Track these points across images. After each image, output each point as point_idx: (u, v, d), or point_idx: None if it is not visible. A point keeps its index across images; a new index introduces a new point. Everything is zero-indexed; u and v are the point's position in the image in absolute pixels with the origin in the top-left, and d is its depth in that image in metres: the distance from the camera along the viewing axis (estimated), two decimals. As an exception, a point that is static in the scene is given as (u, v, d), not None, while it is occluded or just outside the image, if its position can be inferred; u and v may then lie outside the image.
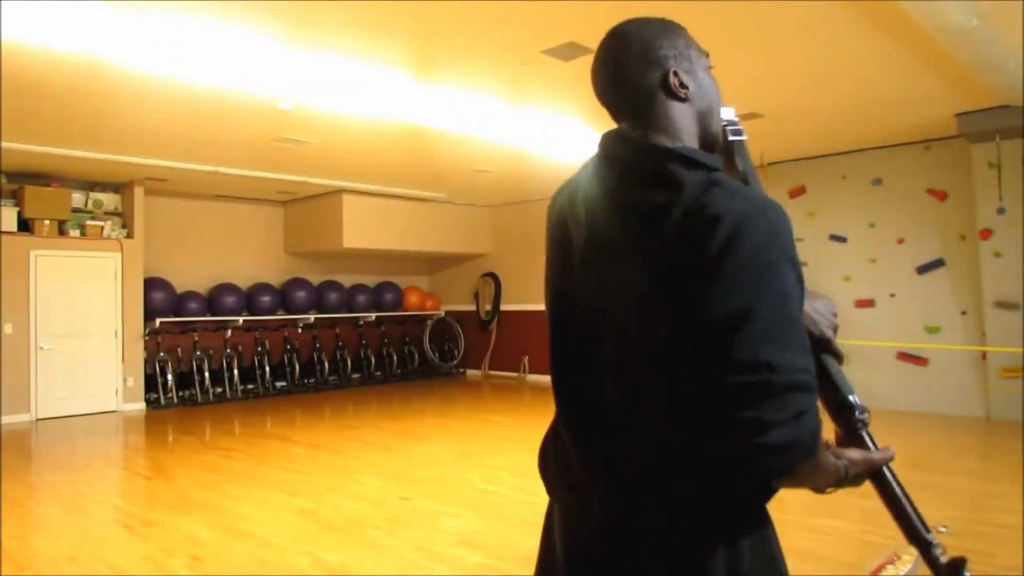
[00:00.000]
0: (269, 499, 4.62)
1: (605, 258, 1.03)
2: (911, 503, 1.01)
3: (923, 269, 7.50)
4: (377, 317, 11.28)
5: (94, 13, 3.98)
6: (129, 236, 8.80)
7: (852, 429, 1.02)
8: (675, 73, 1.05)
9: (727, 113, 1.18)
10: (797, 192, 8.39)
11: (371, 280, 11.73)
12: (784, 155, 8.18)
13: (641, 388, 0.99)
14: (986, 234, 6.80)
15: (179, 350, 9.44)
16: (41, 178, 8.28)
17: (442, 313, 12.31)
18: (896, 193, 7.68)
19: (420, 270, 12.79)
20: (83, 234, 8.43)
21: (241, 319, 9.79)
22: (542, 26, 4.31)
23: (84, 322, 8.39)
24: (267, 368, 9.96)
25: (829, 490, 0.95)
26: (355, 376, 10.96)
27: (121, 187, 8.96)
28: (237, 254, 10.30)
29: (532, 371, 11.12)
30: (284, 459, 5.84)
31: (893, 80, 5.41)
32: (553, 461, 1.16)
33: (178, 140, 6.85)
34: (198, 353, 9.43)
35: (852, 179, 8.00)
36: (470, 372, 12.15)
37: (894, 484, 1.01)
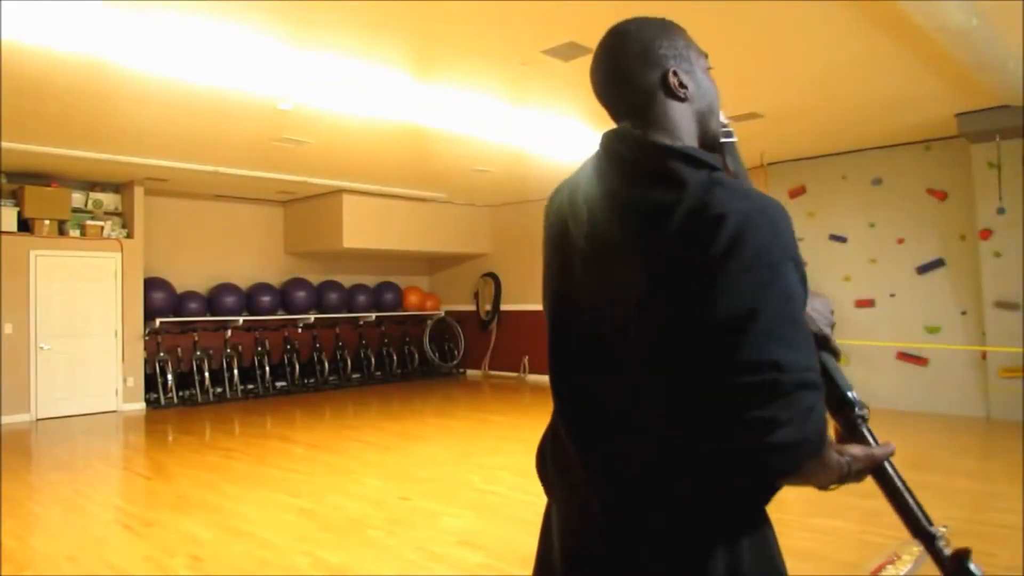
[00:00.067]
0: (269, 499, 4.62)
1: (606, 257, 1.03)
2: (913, 497, 1.02)
3: (923, 269, 7.50)
4: (377, 317, 11.28)
5: (94, 13, 3.98)
6: (129, 236, 8.80)
7: (852, 425, 1.02)
8: (675, 73, 1.05)
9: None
10: (797, 192, 8.39)
11: (371, 280, 11.73)
12: (784, 155, 8.18)
13: (641, 388, 0.99)
14: (986, 234, 6.80)
15: (179, 350, 9.44)
16: (41, 178, 8.28)
17: (442, 313, 12.31)
18: (896, 193, 7.68)
19: (420, 270, 12.79)
20: (83, 234, 8.43)
21: (241, 319, 9.79)
22: (542, 26, 4.31)
23: (84, 322, 8.39)
24: (267, 368, 9.95)
25: (832, 487, 0.96)
26: (355, 376, 10.96)
27: (121, 187, 8.96)
28: (237, 254, 10.30)
29: (532, 371, 11.12)
30: (284, 459, 5.84)
31: (893, 80, 5.41)
32: (551, 461, 1.15)
33: (178, 140, 6.85)
34: (198, 353, 9.43)
35: (852, 179, 8.00)
36: (470, 372, 12.15)
37: (896, 478, 1.02)
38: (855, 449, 0.97)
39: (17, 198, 8.07)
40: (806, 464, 0.88)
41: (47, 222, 8.14)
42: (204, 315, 9.54)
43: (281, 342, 10.38)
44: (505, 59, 4.88)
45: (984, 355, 6.93)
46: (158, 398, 8.94)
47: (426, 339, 12.05)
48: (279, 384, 10.19)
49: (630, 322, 0.99)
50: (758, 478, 0.91)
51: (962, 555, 0.97)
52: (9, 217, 7.91)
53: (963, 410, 7.15)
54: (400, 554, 3.60)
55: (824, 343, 1.04)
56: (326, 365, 10.67)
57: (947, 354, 7.30)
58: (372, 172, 8.63)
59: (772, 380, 0.85)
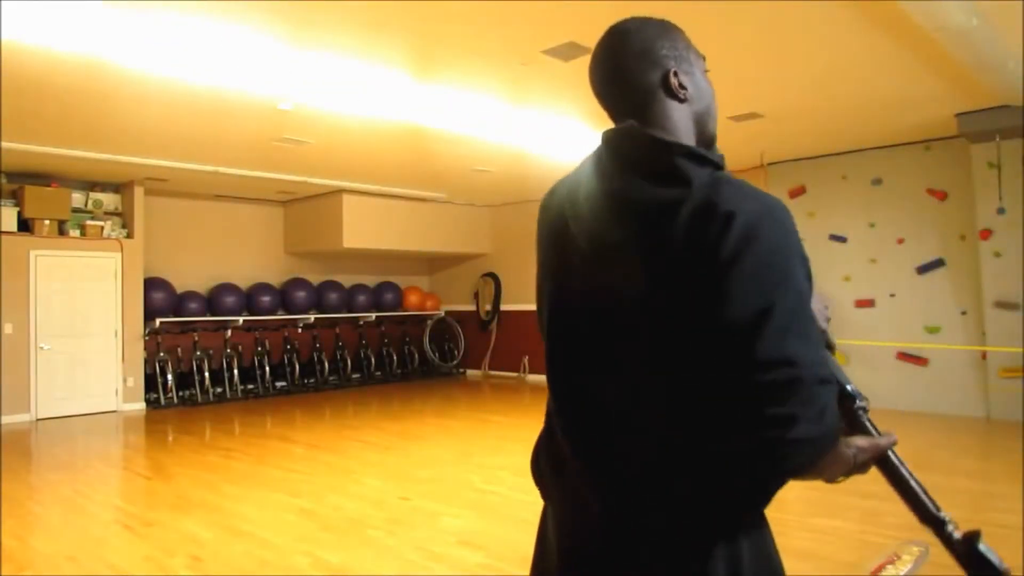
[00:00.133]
0: (269, 499, 4.62)
1: (608, 255, 1.02)
2: (919, 484, 1.03)
3: (923, 269, 7.50)
4: (377, 317, 11.28)
5: (94, 13, 3.98)
6: (129, 236, 8.80)
7: (854, 417, 1.03)
8: (675, 74, 1.06)
9: None
10: (797, 192, 8.39)
11: (371, 280, 11.73)
12: (784, 155, 8.18)
13: (641, 388, 0.99)
14: (986, 234, 6.80)
15: (179, 350, 9.44)
16: (41, 178, 8.28)
17: (442, 313, 12.30)
18: (896, 193, 7.68)
19: (420, 270, 12.79)
20: (83, 234, 8.43)
21: (241, 319, 9.79)
22: (542, 26, 4.31)
23: (84, 322, 8.39)
24: (267, 368, 9.95)
25: (840, 479, 0.97)
26: (355, 376, 10.96)
27: (121, 187, 8.96)
28: (237, 254, 10.30)
29: (532, 371, 11.12)
30: (284, 459, 5.84)
31: (893, 80, 5.41)
32: (546, 462, 1.15)
33: (178, 140, 6.85)
34: (198, 353, 9.43)
35: (852, 179, 8.00)
36: (470, 372, 12.15)
37: (901, 467, 1.03)
38: (860, 440, 0.98)
39: (17, 198, 8.07)
40: (823, 458, 0.90)
41: (47, 222, 8.14)
42: (204, 315, 9.54)
43: (281, 342, 10.38)
44: (505, 59, 4.88)
45: (984, 355, 6.93)
46: (158, 398, 8.94)
47: (426, 339, 12.05)
48: (279, 384, 10.19)
49: (631, 321, 0.99)
50: (776, 474, 0.92)
51: (972, 537, 0.99)
52: (9, 217, 7.91)
53: (963, 410, 7.15)
54: (400, 554, 3.60)
55: (820, 338, 1.05)
56: (326, 365, 10.67)
57: (947, 354, 7.30)
58: (372, 172, 8.63)
59: (790, 377, 0.86)
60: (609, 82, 1.10)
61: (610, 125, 1.12)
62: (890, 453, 1.02)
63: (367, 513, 4.29)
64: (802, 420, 0.86)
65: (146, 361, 8.93)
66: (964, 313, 7.20)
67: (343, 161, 7.95)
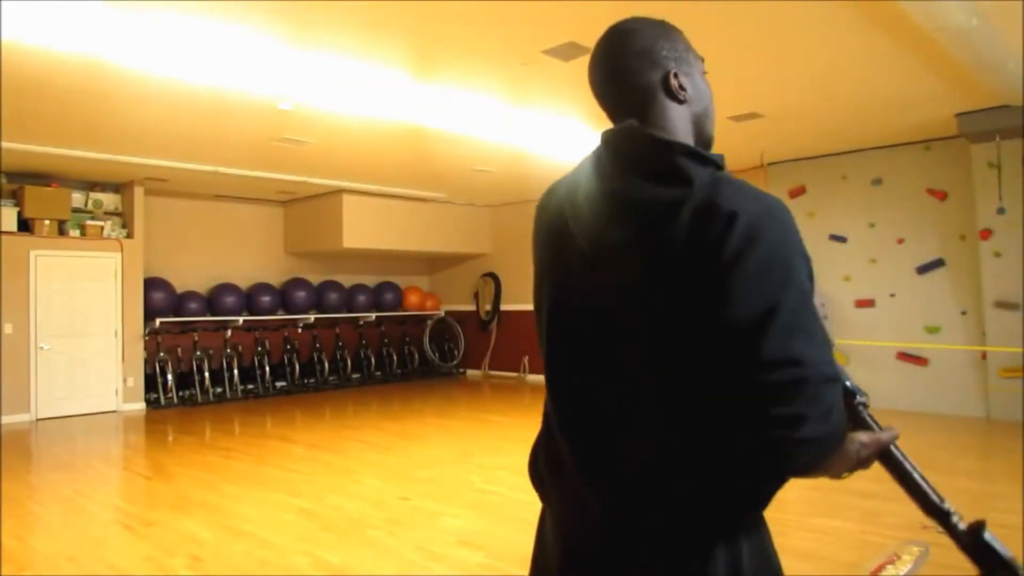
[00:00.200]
0: (269, 499, 4.62)
1: (608, 255, 1.02)
2: (923, 477, 1.03)
3: (923, 269, 7.50)
4: (377, 317, 11.28)
5: (94, 13, 3.98)
6: (129, 236, 8.80)
7: (855, 412, 1.04)
8: (675, 75, 1.06)
9: None
10: (797, 192, 8.39)
11: (371, 280, 11.73)
12: (784, 155, 8.18)
13: (641, 388, 0.99)
14: (986, 234, 6.80)
15: (179, 350, 9.44)
16: (41, 178, 8.28)
17: (442, 313, 12.31)
18: (896, 193, 7.68)
19: (420, 270, 12.79)
20: (83, 234, 8.43)
21: (241, 319, 9.79)
22: (542, 26, 4.31)
23: (84, 322, 8.39)
24: (267, 368, 9.95)
25: (844, 475, 0.98)
26: (355, 376, 10.96)
27: (121, 187, 8.96)
28: (237, 254, 10.30)
29: (532, 371, 11.12)
30: (284, 459, 5.84)
31: (893, 80, 5.41)
32: (544, 463, 1.15)
33: (178, 140, 6.85)
34: (198, 353, 9.43)
35: (852, 179, 8.00)
36: (470, 372, 12.15)
37: (904, 461, 1.03)
38: (862, 436, 0.99)
39: (17, 198, 8.07)
40: (829, 457, 0.91)
41: (47, 222, 8.14)
42: (204, 315, 9.54)
43: (281, 342, 10.38)
44: (505, 59, 4.88)
45: (984, 355, 6.93)
46: (158, 398, 8.94)
47: (426, 339, 12.05)
48: (279, 384, 10.19)
49: (631, 321, 0.99)
50: (783, 473, 0.93)
51: (977, 527, 0.99)
52: (9, 217, 7.91)
53: (963, 410, 7.15)
54: (400, 554, 3.60)
55: (825, 336, 1.05)
56: (326, 365, 10.67)
57: (947, 354, 7.30)
58: (372, 172, 8.63)
59: (796, 377, 0.87)
60: (609, 82, 1.10)
61: (610, 126, 1.12)
62: (892, 447, 1.03)
63: (367, 513, 4.29)
64: (809, 419, 0.86)
65: (146, 361, 8.93)
66: (964, 313, 7.20)
67: (343, 161, 7.95)
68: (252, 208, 10.50)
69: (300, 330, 10.60)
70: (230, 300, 9.68)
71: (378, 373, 11.26)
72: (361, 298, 11.14)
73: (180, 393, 9.17)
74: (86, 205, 8.62)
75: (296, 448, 6.30)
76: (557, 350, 1.12)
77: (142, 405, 8.79)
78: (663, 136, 1.03)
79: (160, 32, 4.26)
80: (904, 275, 7.61)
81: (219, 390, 9.49)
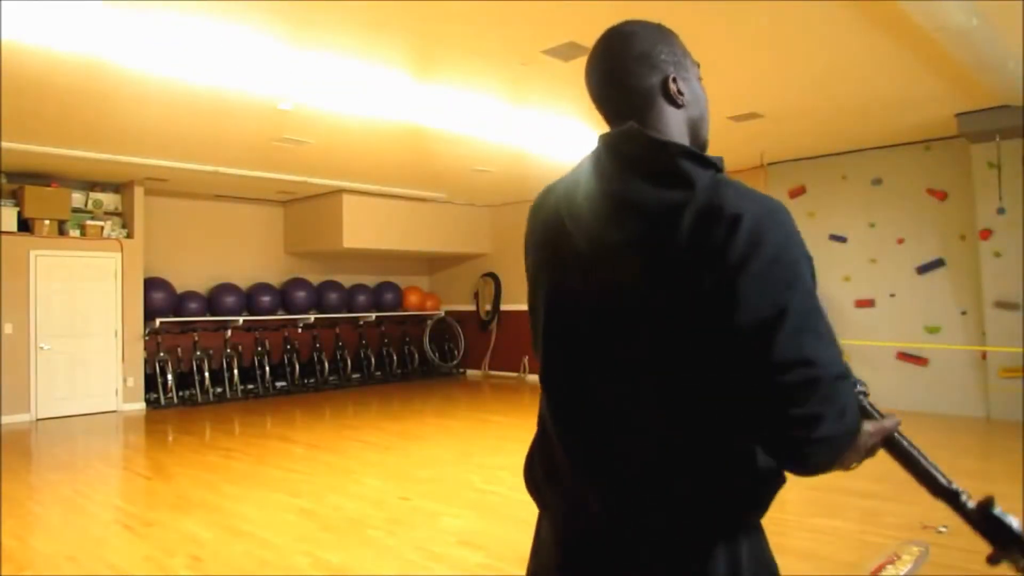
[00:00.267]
0: (269, 499, 4.62)
1: (608, 256, 1.02)
2: (928, 460, 1.04)
3: (923, 269, 7.50)
4: (377, 317, 11.28)
5: (94, 13, 3.98)
6: (129, 236, 8.80)
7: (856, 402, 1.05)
8: (674, 80, 1.06)
9: None
10: (797, 192, 8.39)
11: (371, 280, 11.73)
12: (784, 155, 8.18)
13: (641, 388, 0.99)
14: (986, 234, 6.80)
15: (179, 350, 9.44)
16: (41, 178, 8.28)
17: (442, 313, 12.31)
18: (896, 193, 7.68)
19: (420, 270, 12.79)
20: (83, 234, 8.43)
21: (241, 319, 9.79)
22: (542, 26, 4.31)
23: (84, 322, 8.39)
24: (267, 368, 9.95)
25: (853, 465, 0.99)
26: (355, 376, 10.96)
27: (121, 187, 8.96)
28: (237, 254, 10.30)
29: (532, 371, 11.12)
30: (284, 459, 5.84)
31: (893, 80, 5.41)
32: (540, 466, 1.14)
33: (178, 140, 6.85)
34: (198, 353, 9.43)
35: (852, 179, 8.00)
36: (470, 372, 12.15)
37: (909, 447, 1.05)
38: (867, 425, 0.99)
39: (17, 198, 8.07)
40: (844, 455, 0.93)
41: (47, 222, 8.14)
42: (204, 315, 9.54)
43: (281, 342, 10.38)
44: (505, 59, 4.88)
45: (984, 355, 6.93)
46: (158, 398, 8.94)
47: (426, 339, 12.05)
48: (279, 384, 10.19)
49: (631, 321, 0.99)
50: (800, 473, 0.94)
51: (986, 504, 1.02)
52: (9, 217, 7.91)
53: (963, 410, 7.15)
54: (400, 554, 3.60)
55: (833, 334, 1.06)
56: (326, 365, 10.67)
57: (947, 354, 7.30)
58: (372, 172, 8.63)
59: (810, 377, 0.88)
60: (607, 84, 1.10)
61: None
62: (896, 434, 1.04)
63: (367, 513, 4.29)
64: (826, 419, 0.87)
65: (146, 361, 8.93)
66: (964, 313, 7.20)
67: (343, 161, 7.95)
68: (252, 208, 10.50)
69: (300, 330, 10.60)
70: (230, 300, 9.68)
71: (378, 373, 11.26)
72: (361, 298, 11.14)
73: (180, 393, 9.17)
74: (86, 205, 8.62)
75: (296, 448, 6.30)
76: (555, 350, 1.12)
77: (142, 405, 8.79)
78: (664, 139, 1.03)
79: (160, 32, 4.26)
80: (904, 275, 7.61)
81: (219, 390, 9.49)
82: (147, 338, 8.93)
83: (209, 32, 4.30)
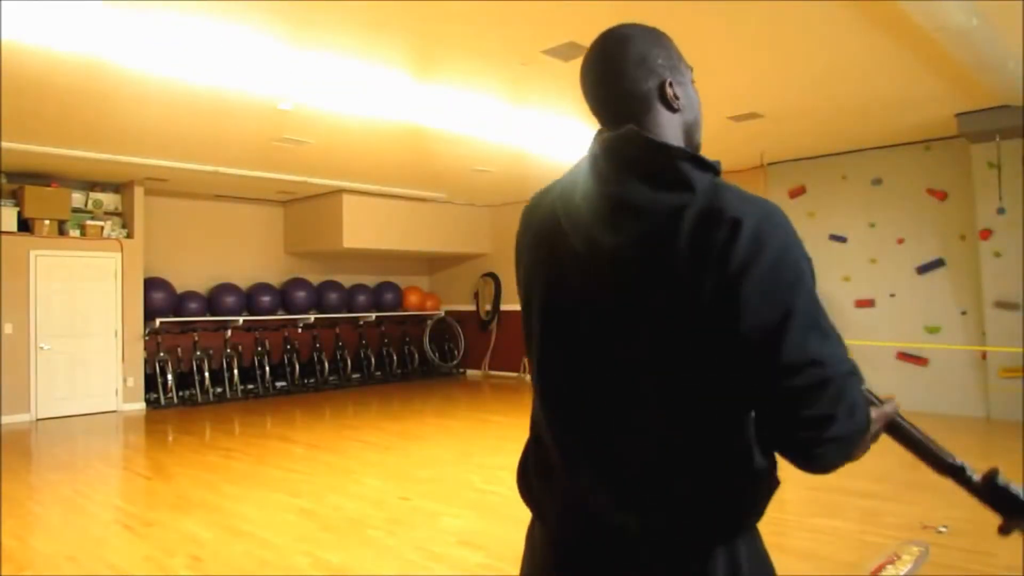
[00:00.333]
0: (269, 499, 4.62)
1: (607, 257, 1.02)
2: (930, 439, 1.06)
3: (923, 269, 7.50)
4: (377, 317, 11.28)
5: (94, 13, 3.98)
6: (129, 236, 8.80)
7: None
8: (670, 84, 1.06)
9: None
10: (797, 192, 8.39)
11: (371, 280, 11.73)
12: (784, 155, 8.18)
13: (641, 388, 0.99)
14: (986, 234, 6.80)
15: (179, 350, 9.44)
16: (41, 178, 8.28)
17: (442, 313, 12.31)
18: (896, 193, 7.68)
19: (420, 270, 12.79)
20: (83, 234, 8.43)
21: (241, 319, 9.79)
22: (542, 26, 4.31)
23: (84, 322, 8.39)
24: (267, 368, 9.95)
25: (859, 455, 1.00)
26: (355, 376, 10.96)
27: (121, 187, 8.96)
28: (237, 254, 10.30)
29: (532, 371, 11.11)
30: (284, 459, 5.84)
31: (893, 80, 5.41)
32: (534, 470, 1.14)
33: (178, 140, 6.85)
34: (198, 353, 9.43)
35: (852, 179, 8.00)
36: (470, 372, 12.15)
37: (912, 429, 1.06)
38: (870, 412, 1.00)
39: (17, 198, 8.07)
40: (855, 452, 0.94)
41: (47, 222, 8.14)
42: (204, 315, 9.54)
43: (281, 342, 10.38)
44: (505, 59, 4.88)
45: (984, 355, 6.93)
46: (158, 398, 8.94)
47: (426, 339, 12.05)
48: (279, 384, 10.19)
49: (630, 321, 0.99)
50: (813, 472, 0.95)
51: (991, 475, 1.03)
52: (9, 217, 7.91)
53: (963, 410, 7.15)
54: (400, 554, 3.61)
55: (837, 332, 1.07)
56: (326, 365, 10.67)
57: (947, 354, 7.30)
58: (372, 172, 8.63)
59: (819, 378, 0.88)
60: (604, 87, 1.09)
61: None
62: (897, 417, 1.06)
63: (367, 513, 4.29)
64: (836, 418, 0.88)
65: (146, 361, 8.93)
66: (964, 313, 7.20)
67: (343, 161, 7.95)
68: (252, 208, 10.50)
69: (300, 330, 10.60)
70: (230, 300, 9.68)
71: (378, 373, 11.26)
72: (361, 298, 11.14)
73: (180, 393, 9.17)
74: (86, 205, 8.62)
75: (296, 448, 6.30)
76: (552, 350, 1.11)
77: (142, 405, 8.79)
78: (663, 141, 1.03)
79: (160, 32, 4.26)
80: (904, 275, 7.61)
81: (219, 390, 9.49)
82: (147, 338, 8.93)
83: (209, 32, 4.30)
